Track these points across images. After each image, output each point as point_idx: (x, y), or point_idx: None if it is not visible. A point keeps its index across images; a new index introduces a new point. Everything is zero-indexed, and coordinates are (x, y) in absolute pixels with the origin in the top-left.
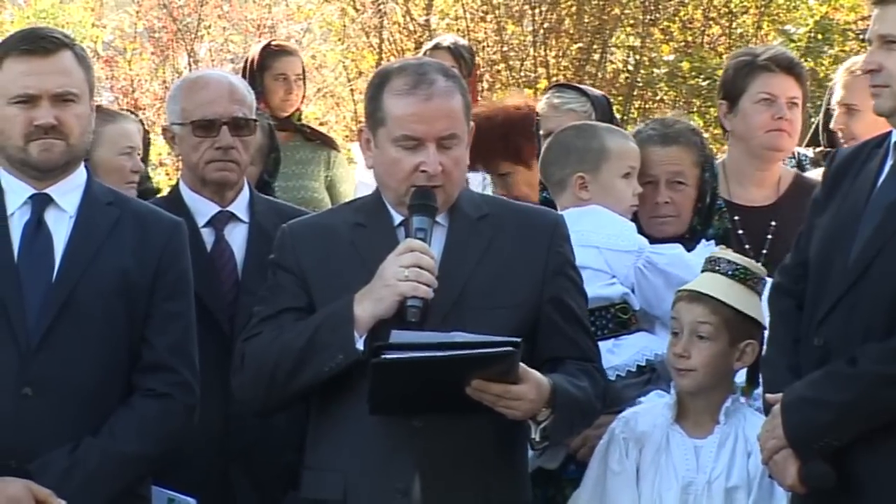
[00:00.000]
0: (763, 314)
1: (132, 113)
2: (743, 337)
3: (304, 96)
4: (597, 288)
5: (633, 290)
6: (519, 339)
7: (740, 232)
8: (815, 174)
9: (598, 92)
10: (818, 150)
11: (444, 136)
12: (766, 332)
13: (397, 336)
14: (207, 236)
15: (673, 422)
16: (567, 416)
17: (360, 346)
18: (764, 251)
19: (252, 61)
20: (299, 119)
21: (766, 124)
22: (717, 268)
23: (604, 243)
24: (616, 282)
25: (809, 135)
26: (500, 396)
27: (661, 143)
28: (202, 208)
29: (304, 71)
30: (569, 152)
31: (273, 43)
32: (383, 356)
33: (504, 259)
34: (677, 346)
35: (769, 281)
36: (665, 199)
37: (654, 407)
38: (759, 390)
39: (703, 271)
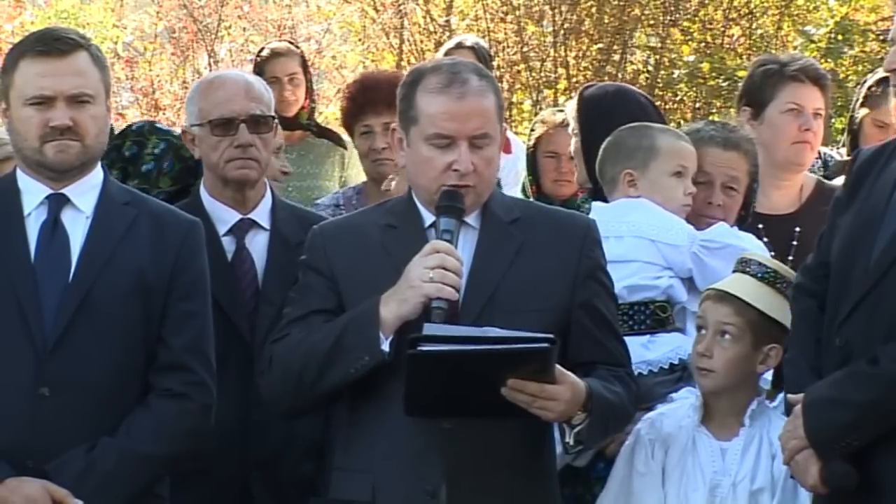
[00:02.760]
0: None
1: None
2: (767, 340)
3: (308, 93)
4: (640, 279)
5: (691, 277)
6: (554, 337)
7: (765, 240)
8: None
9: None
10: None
11: (476, 136)
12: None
13: (430, 328)
14: (228, 244)
15: (699, 424)
16: (602, 420)
17: (385, 347)
18: (790, 257)
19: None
20: (308, 118)
21: (794, 135)
22: (747, 269)
23: (657, 236)
24: (664, 275)
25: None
26: (536, 396)
27: (723, 145)
28: (223, 216)
29: (305, 67)
30: (619, 150)
31: (265, 48)
32: (419, 348)
33: (535, 262)
34: (701, 344)
35: None
36: (719, 201)
37: (680, 408)
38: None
39: (733, 272)
